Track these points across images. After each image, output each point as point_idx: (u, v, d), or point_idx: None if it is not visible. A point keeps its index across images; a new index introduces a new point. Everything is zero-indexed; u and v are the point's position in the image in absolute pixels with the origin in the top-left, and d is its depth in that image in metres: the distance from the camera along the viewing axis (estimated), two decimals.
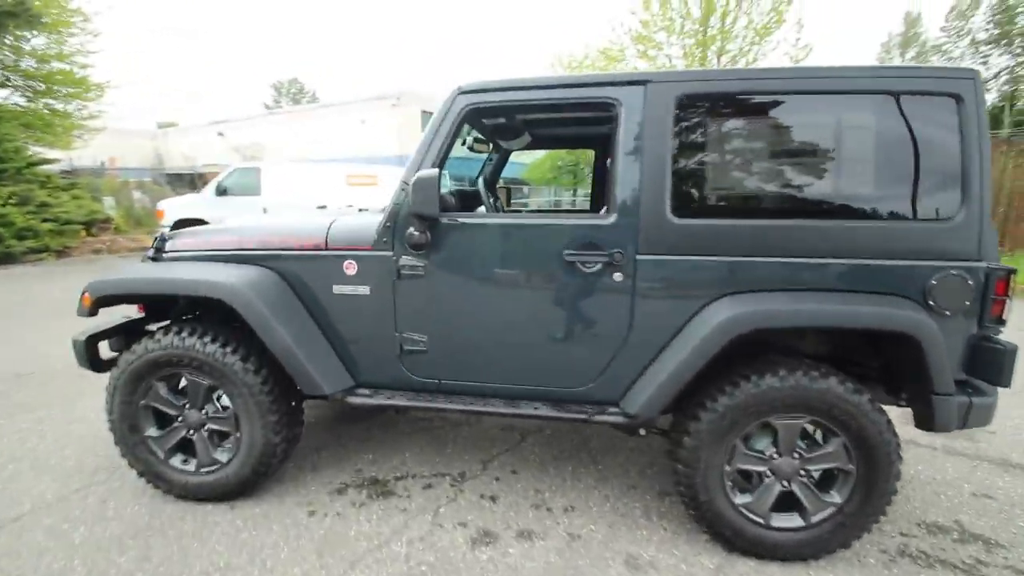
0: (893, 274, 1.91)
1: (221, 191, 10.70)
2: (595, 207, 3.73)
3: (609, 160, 2.08)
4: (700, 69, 2.01)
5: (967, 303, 1.90)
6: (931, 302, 1.90)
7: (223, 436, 2.37)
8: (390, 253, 2.19)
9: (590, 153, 4.20)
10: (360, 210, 2.82)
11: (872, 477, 1.99)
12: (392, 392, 2.28)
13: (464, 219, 2.16)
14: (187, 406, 2.34)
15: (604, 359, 2.12)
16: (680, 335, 2.02)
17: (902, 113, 1.91)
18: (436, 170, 1.98)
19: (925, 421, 2.00)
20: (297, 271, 2.29)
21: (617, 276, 2.04)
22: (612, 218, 2.04)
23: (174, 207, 10.89)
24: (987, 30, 29.06)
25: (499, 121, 2.57)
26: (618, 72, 1.95)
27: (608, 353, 2.12)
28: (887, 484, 1.99)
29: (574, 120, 3.12)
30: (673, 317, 2.03)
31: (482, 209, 3.04)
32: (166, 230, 2.85)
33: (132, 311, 2.66)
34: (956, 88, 1.86)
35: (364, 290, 2.23)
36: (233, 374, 2.21)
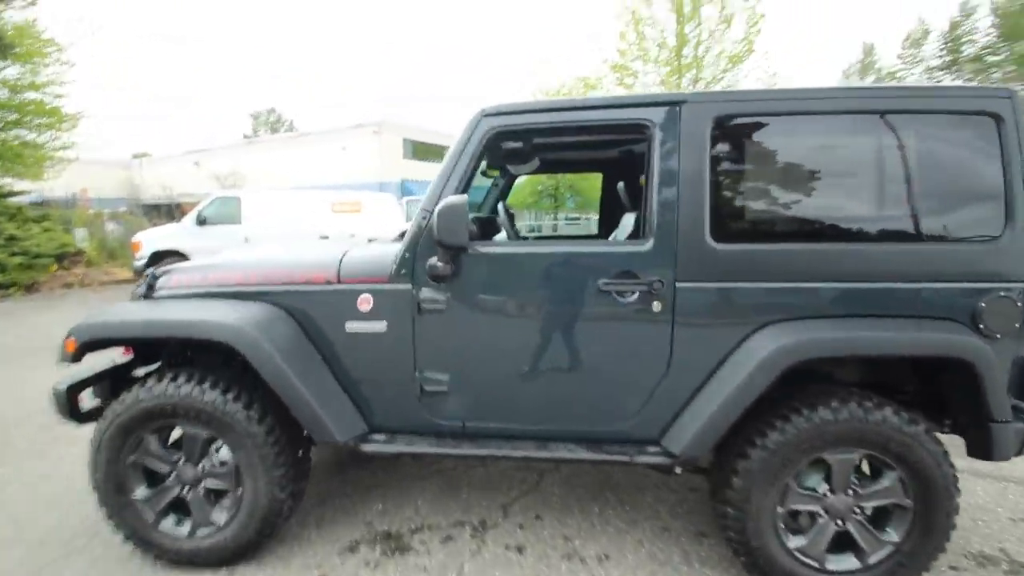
0: (942, 297, 1.85)
1: (201, 220, 10.40)
2: (603, 232, 3.64)
3: (644, 184, 1.98)
4: (736, 89, 1.94)
5: (1016, 325, 1.83)
6: (981, 325, 1.83)
7: (221, 494, 2.14)
8: (409, 286, 2.04)
9: (570, 177, 4.15)
10: (370, 240, 2.65)
11: (930, 512, 1.87)
12: (411, 437, 2.10)
13: (493, 248, 2.03)
14: (181, 461, 2.11)
15: (643, 395, 1.99)
16: (724, 367, 1.90)
17: (942, 133, 1.88)
18: (464, 196, 1.85)
19: (981, 450, 1.90)
20: (306, 308, 2.11)
21: (656, 306, 1.92)
22: (649, 244, 1.93)
23: (151, 238, 10.52)
24: (939, 56, 30.85)
25: (515, 145, 2.47)
26: (651, 93, 1.85)
27: (647, 388, 1.98)
28: (947, 519, 1.87)
29: (583, 144, 3.05)
30: (716, 348, 1.92)
31: (501, 236, 2.91)
32: (151, 265, 2.64)
33: (117, 354, 2.43)
34: (995, 107, 1.83)
35: (380, 327, 2.06)
36: (235, 423, 2.00)
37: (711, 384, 1.91)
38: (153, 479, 2.16)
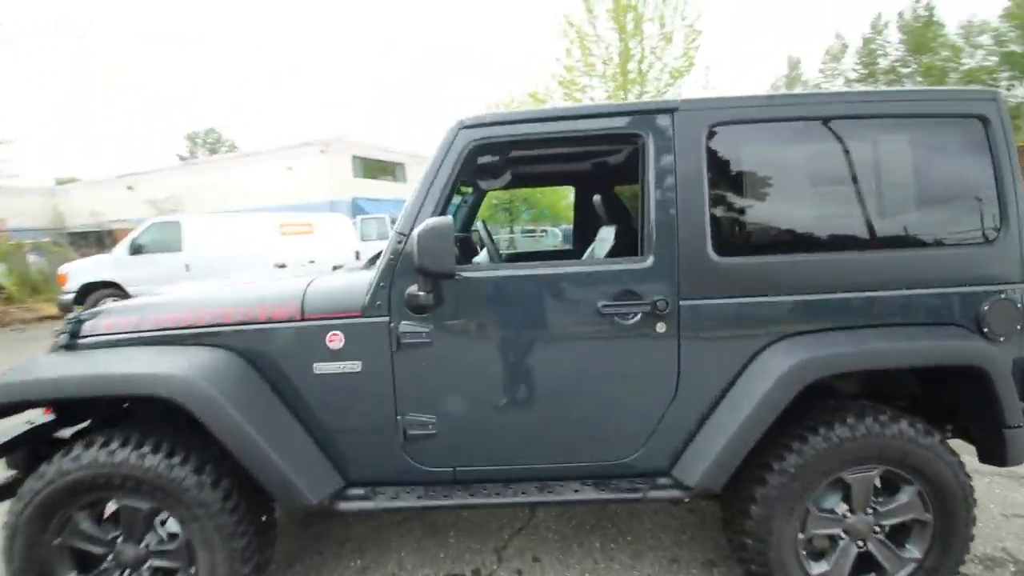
0: (947, 303, 1.81)
1: (136, 249, 9.63)
2: (577, 247, 3.51)
3: (640, 197, 1.85)
4: (730, 95, 1.85)
5: (1018, 327, 1.81)
6: (985, 329, 1.79)
7: (170, 574, 1.82)
8: (386, 318, 1.81)
9: (524, 190, 4.03)
10: (335, 267, 2.39)
11: (950, 525, 1.81)
12: (395, 490, 1.85)
13: (481, 272, 1.84)
14: (120, 539, 1.78)
15: (650, 423, 1.83)
16: (737, 387, 1.78)
17: (933, 137, 1.86)
18: (448, 218, 1.65)
19: (993, 455, 1.86)
20: (266, 350, 1.84)
21: (660, 326, 1.78)
22: (649, 261, 1.79)
23: (79, 270, 9.65)
24: (856, 70, 33.35)
25: (492, 159, 2.30)
26: (643, 101, 1.73)
27: (655, 415, 1.83)
28: (966, 531, 1.81)
29: (558, 156, 2.92)
30: (726, 367, 1.80)
31: (482, 258, 2.71)
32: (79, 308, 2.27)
33: (37, 411, 2.06)
34: (980, 110, 1.82)
35: (354, 366, 1.82)
36: (184, 492, 1.70)
37: (724, 407, 1.78)
38: (86, 564, 1.81)
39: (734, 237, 1.83)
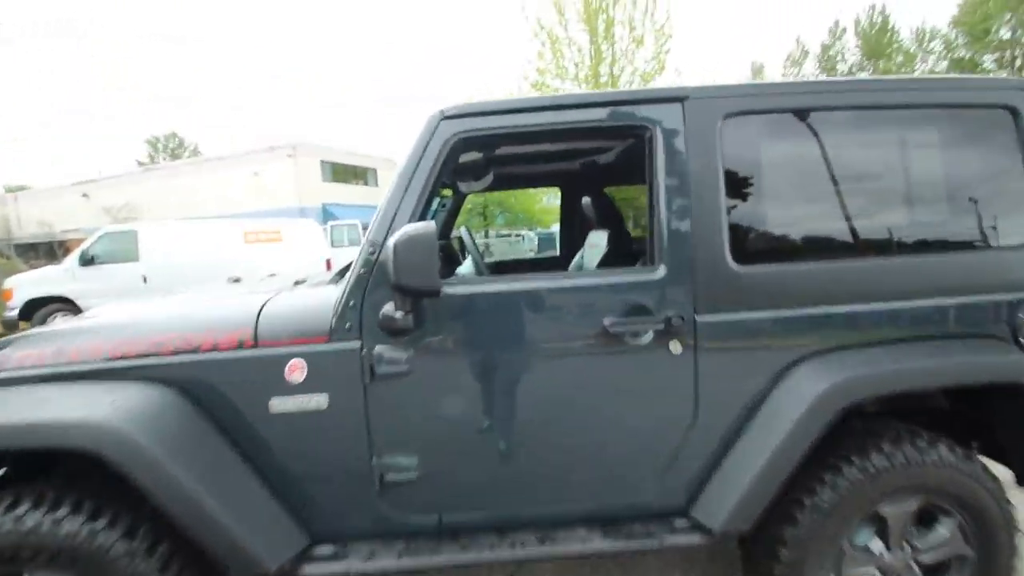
0: (983, 312, 1.64)
1: (87, 260, 9.02)
2: (564, 252, 3.29)
3: (648, 199, 1.63)
4: (745, 83, 1.65)
5: None
6: (1022, 339, 1.63)
7: None
8: (357, 343, 1.53)
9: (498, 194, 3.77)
10: (297, 282, 2.09)
11: (992, 560, 1.63)
12: (371, 546, 1.56)
13: (470, 287, 1.58)
14: None
15: (665, 455, 1.60)
16: (762, 414, 1.57)
17: (960, 129, 1.70)
18: (431, 224, 1.39)
19: None
20: (212, 385, 1.54)
21: (674, 346, 1.56)
22: (661, 272, 1.56)
23: (25, 284, 8.97)
24: (815, 75, 34.47)
25: (475, 157, 2.04)
26: (649, 88, 1.51)
27: (669, 447, 1.60)
28: (1010, 562, 1.64)
29: (543, 154, 2.68)
30: (748, 391, 1.58)
31: (466, 269, 2.44)
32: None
33: None
34: (1010, 100, 1.67)
35: (319, 401, 1.53)
36: (112, 561, 1.39)
37: (748, 436, 1.57)
38: None
39: (754, 242, 1.63)
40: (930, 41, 30.50)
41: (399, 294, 1.42)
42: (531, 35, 14.12)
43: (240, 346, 1.55)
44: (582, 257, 2.89)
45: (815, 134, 1.64)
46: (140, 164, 39.03)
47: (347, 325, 1.54)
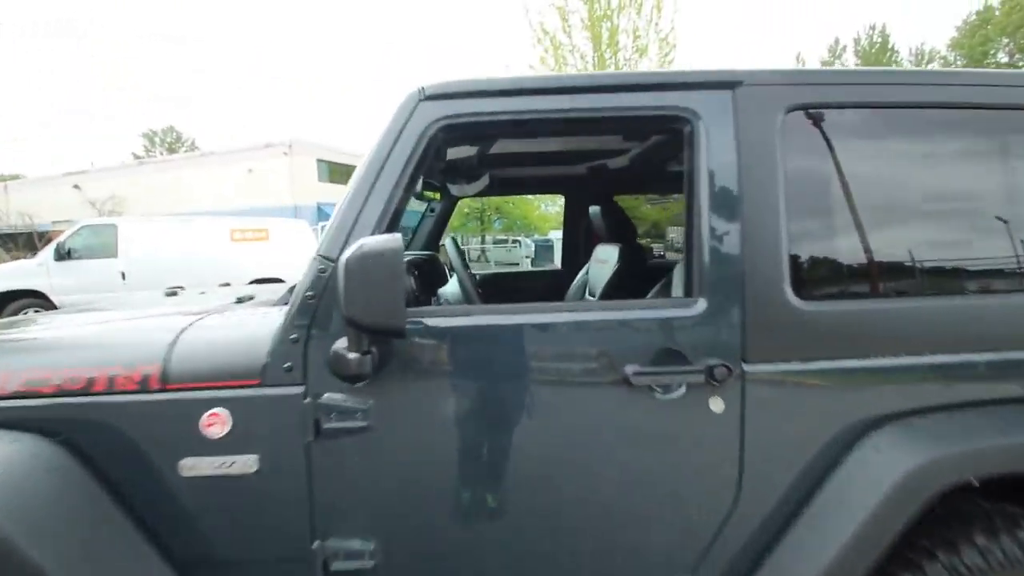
0: None
1: (63, 254, 8.62)
2: (567, 267, 2.92)
3: (686, 211, 1.27)
4: (817, 68, 1.29)
5: None
6: None
7: None
8: (299, 390, 1.16)
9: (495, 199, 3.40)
10: (240, 299, 1.70)
11: None
12: None
13: (449, 320, 1.20)
14: None
15: (697, 548, 1.24)
16: (824, 496, 1.20)
17: None
18: (396, 237, 1.02)
19: None
20: (104, 437, 1.16)
21: (716, 404, 1.19)
22: (700, 306, 1.20)
23: None
24: None
25: (468, 151, 1.68)
26: (691, 70, 1.13)
27: (704, 536, 1.23)
28: None
29: (543, 152, 2.33)
30: (810, 465, 1.22)
31: (450, 289, 2.05)
32: None
33: None
34: None
35: (246, 464, 1.15)
36: None
37: (806, 525, 1.20)
38: None
39: (823, 272, 1.26)
40: (928, 63, 30.53)
41: (353, 330, 1.05)
42: (534, 41, 13.84)
43: (143, 387, 1.17)
44: (587, 273, 2.54)
45: (910, 137, 1.28)
46: (136, 157, 38.50)
47: (286, 365, 1.16)
